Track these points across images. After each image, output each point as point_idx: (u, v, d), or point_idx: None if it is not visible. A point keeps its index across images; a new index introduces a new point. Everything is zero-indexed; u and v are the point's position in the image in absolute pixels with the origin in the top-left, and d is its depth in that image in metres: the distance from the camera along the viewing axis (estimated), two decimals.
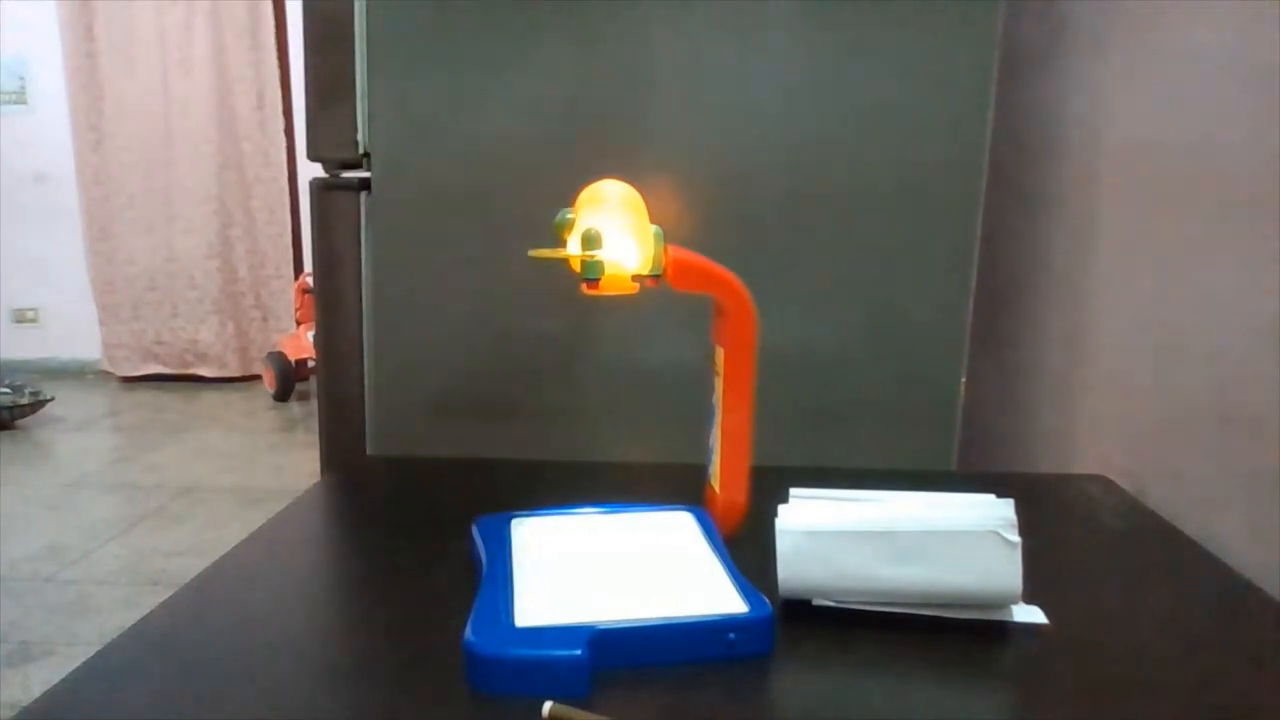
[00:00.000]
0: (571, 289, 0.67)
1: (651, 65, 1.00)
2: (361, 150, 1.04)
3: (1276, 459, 0.72)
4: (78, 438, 3.69)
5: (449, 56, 1.00)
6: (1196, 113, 0.85)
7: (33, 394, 3.82)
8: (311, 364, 4.12)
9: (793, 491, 0.63)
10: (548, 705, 0.48)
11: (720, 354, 0.69)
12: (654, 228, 0.65)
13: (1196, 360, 0.85)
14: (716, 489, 0.70)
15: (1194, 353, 0.85)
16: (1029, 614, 0.61)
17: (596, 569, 0.62)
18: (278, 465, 3.34)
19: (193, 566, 0.68)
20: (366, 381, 1.08)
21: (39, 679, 1.91)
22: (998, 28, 0.99)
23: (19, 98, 4.52)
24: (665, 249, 0.65)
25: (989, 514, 0.59)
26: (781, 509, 0.61)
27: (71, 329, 4.65)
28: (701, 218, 1.01)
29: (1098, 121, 1.06)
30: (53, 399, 3.93)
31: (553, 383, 1.08)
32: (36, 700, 0.53)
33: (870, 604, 0.60)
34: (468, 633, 0.53)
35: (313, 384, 3.86)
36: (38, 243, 4.58)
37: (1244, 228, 0.78)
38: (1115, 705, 0.53)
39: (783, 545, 0.59)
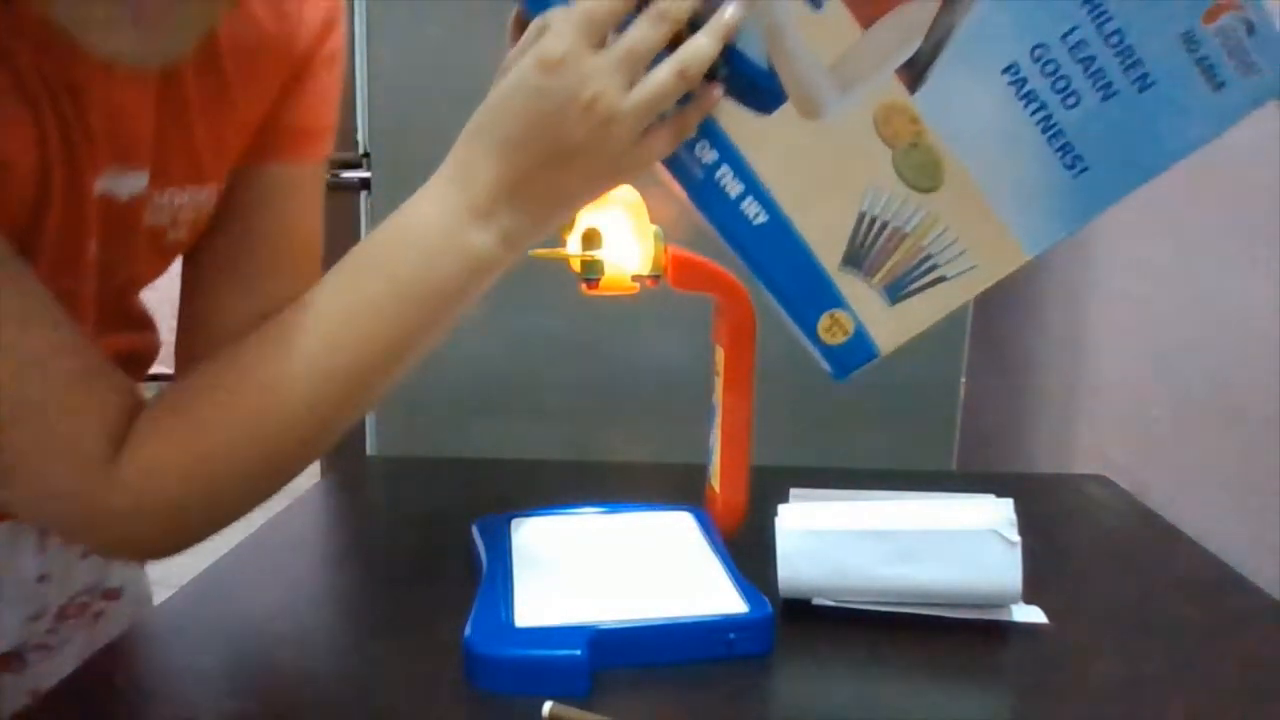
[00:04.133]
0: (571, 289, 0.67)
1: None
2: (361, 150, 1.04)
3: (1276, 459, 0.72)
4: None
5: (449, 56, 1.00)
6: None
7: None
8: None
9: (793, 491, 0.63)
10: (548, 705, 0.48)
11: (720, 354, 0.69)
12: (654, 228, 0.65)
13: (1196, 360, 0.85)
14: (716, 489, 0.70)
15: (1194, 353, 0.85)
16: (1029, 614, 0.61)
17: (596, 569, 0.62)
18: None
19: (193, 566, 0.68)
20: None
21: None
22: None
23: None
24: (665, 249, 0.65)
25: (989, 514, 0.59)
26: (781, 509, 0.61)
27: None
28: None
29: None
30: None
31: (553, 383, 1.08)
32: (37, 700, 0.53)
33: (870, 604, 0.60)
34: (468, 632, 0.53)
35: None
36: None
37: (1244, 227, 0.78)
38: (1115, 705, 0.53)
39: (783, 545, 0.59)
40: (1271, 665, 0.58)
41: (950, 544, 0.58)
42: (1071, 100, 0.50)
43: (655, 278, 0.66)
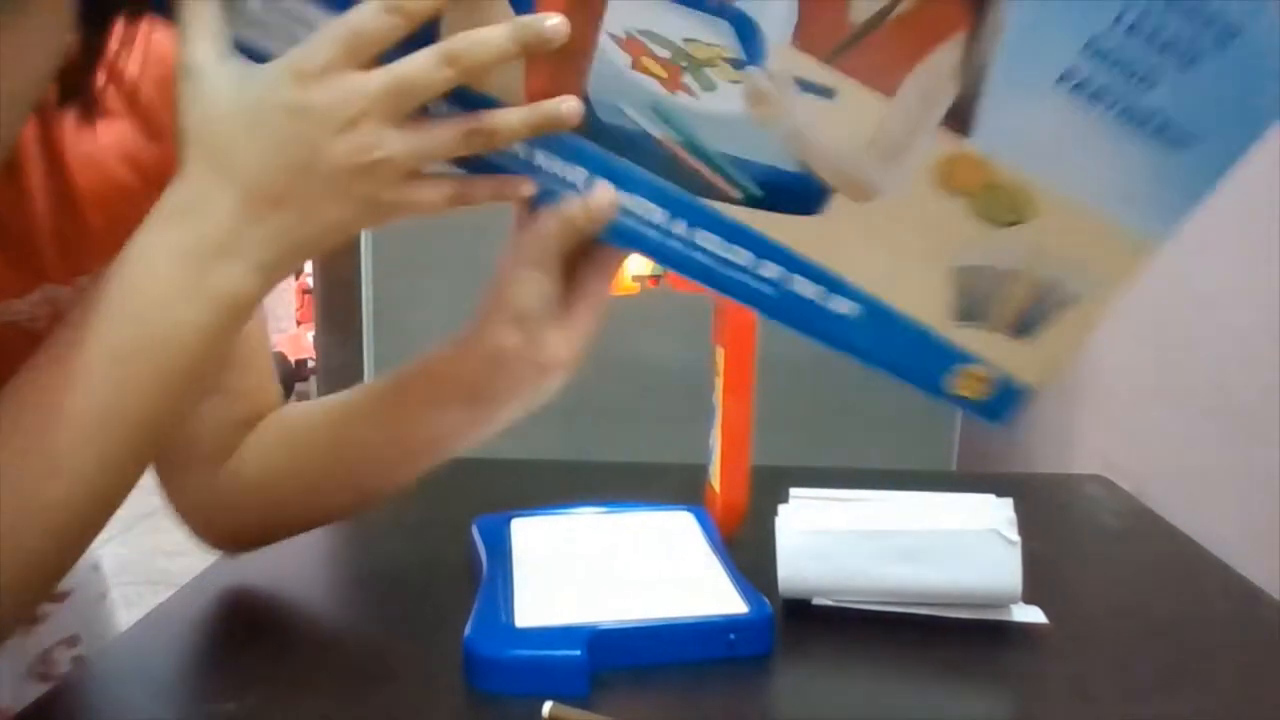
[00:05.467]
0: None
1: None
2: None
3: (1276, 459, 0.72)
4: None
5: None
6: None
7: None
8: (311, 364, 4.12)
9: (793, 491, 0.63)
10: (548, 705, 0.48)
11: (720, 354, 0.69)
12: None
13: (1196, 360, 0.85)
14: (716, 489, 0.70)
15: (1194, 353, 0.85)
16: (1029, 614, 0.61)
17: (596, 569, 0.62)
18: None
19: (193, 566, 0.68)
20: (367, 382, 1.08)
21: None
22: None
23: None
24: None
25: (988, 513, 0.59)
26: (781, 509, 0.61)
27: None
28: None
29: None
30: None
31: None
32: (36, 700, 0.53)
33: (870, 604, 0.60)
34: (468, 633, 0.53)
35: (313, 384, 3.86)
36: None
37: (1244, 227, 0.78)
38: (1115, 705, 0.53)
39: (783, 545, 0.59)
40: (1271, 666, 0.58)
41: (950, 544, 0.58)
42: (1149, 82, 0.46)
43: (656, 278, 0.66)
